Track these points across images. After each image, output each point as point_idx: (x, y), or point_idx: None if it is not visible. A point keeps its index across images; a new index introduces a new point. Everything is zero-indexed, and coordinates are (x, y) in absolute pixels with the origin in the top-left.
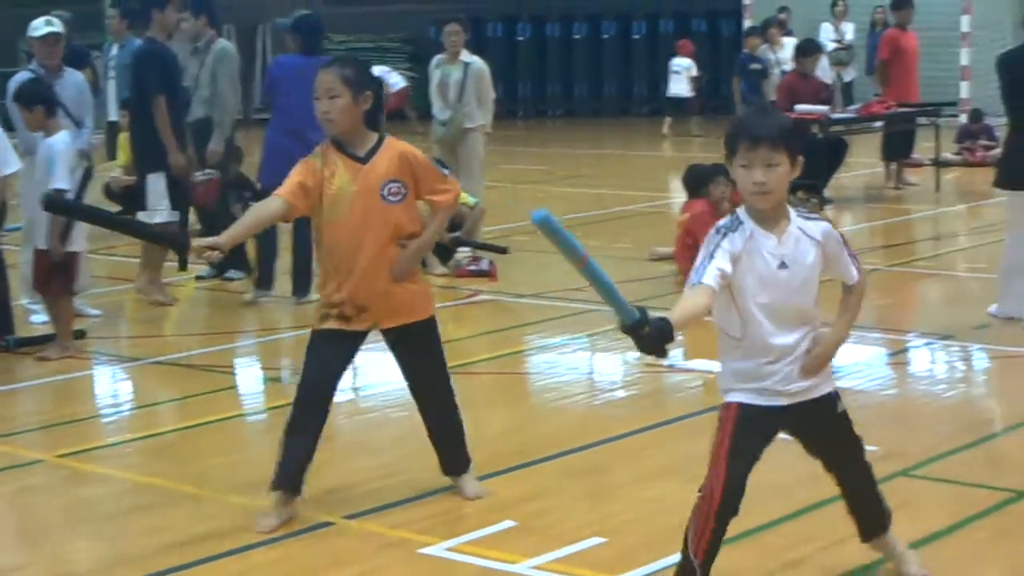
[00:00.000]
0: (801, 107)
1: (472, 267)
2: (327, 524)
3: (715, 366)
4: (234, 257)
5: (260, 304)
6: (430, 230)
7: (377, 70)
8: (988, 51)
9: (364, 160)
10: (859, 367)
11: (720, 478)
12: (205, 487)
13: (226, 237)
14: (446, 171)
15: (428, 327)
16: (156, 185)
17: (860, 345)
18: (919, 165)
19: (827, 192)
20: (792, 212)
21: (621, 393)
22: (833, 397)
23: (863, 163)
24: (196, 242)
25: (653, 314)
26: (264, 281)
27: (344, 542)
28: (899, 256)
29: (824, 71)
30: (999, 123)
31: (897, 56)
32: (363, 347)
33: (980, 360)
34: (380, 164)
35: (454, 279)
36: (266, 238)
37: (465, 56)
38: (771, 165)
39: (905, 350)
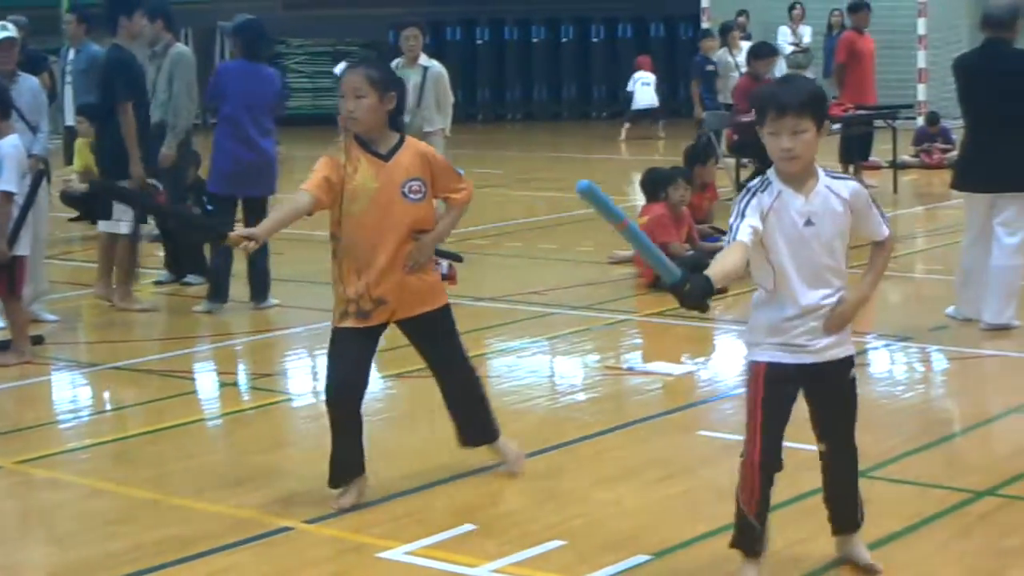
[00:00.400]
0: None
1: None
2: (287, 529)
3: (674, 369)
4: (193, 262)
5: (218, 310)
6: (445, 224)
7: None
8: (945, 54)
9: (386, 158)
10: None
11: (757, 443)
12: (164, 493)
13: (261, 229)
14: (460, 171)
15: (443, 314)
16: None
17: None
18: (877, 167)
19: None
20: (821, 172)
21: (581, 396)
22: (850, 360)
23: (821, 165)
24: (234, 233)
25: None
26: (218, 294)
27: (303, 547)
28: (857, 258)
29: (781, 74)
30: (956, 125)
31: (854, 59)
32: (320, 352)
33: (938, 361)
34: (402, 162)
35: None
36: (222, 251)
37: (424, 60)
38: (797, 132)
39: (864, 352)
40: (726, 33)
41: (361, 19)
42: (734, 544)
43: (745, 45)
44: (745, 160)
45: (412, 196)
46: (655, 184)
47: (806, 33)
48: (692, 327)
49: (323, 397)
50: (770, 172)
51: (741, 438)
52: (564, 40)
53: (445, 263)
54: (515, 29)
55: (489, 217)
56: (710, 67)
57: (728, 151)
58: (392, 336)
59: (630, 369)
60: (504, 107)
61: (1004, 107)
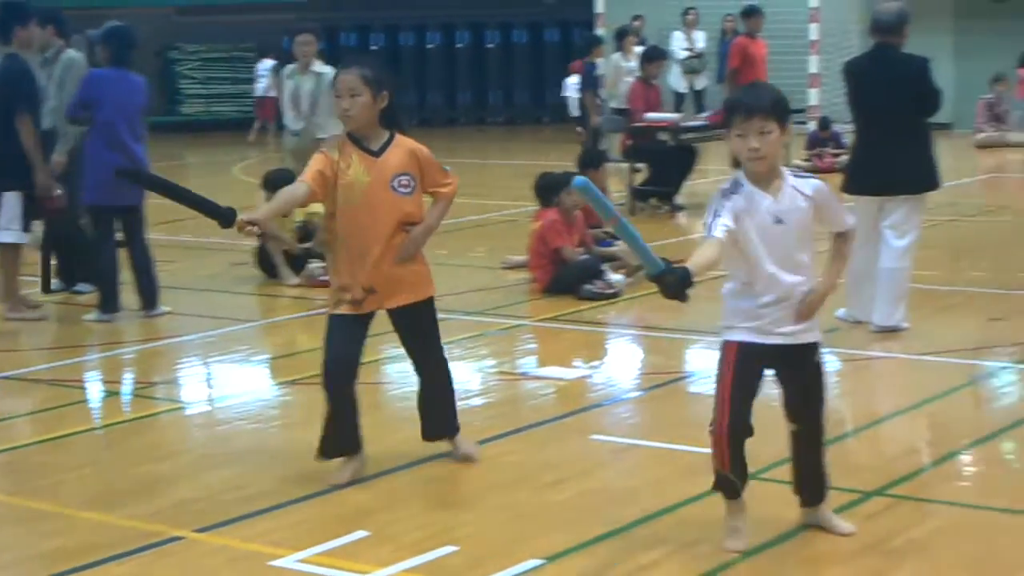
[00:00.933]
0: (653, 115)
1: (325, 277)
2: (177, 539)
3: (567, 373)
4: (83, 270)
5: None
6: (433, 216)
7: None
8: (836, 59)
9: (377, 154)
10: (711, 372)
11: (726, 412)
12: (54, 503)
13: (261, 215)
14: (447, 167)
15: (429, 306)
16: (12, 203)
17: (711, 350)
18: None
19: (679, 199)
20: (786, 172)
21: (475, 401)
22: (816, 345)
23: (714, 170)
24: (239, 217)
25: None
26: (108, 304)
27: (194, 556)
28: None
29: (676, 79)
30: (847, 130)
31: (747, 64)
32: (213, 359)
33: (829, 363)
34: (392, 158)
35: (307, 289)
36: (106, 260)
37: (318, 66)
38: (764, 133)
39: None
40: (622, 38)
41: (255, 25)
42: (716, 488)
43: (639, 51)
44: (639, 165)
45: (401, 190)
46: (548, 189)
47: (700, 38)
48: (585, 332)
49: (213, 405)
50: (739, 174)
51: (633, 442)
52: (459, 46)
53: None
54: (410, 35)
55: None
56: (599, 72)
57: (622, 156)
58: (286, 342)
59: (524, 374)
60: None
61: (893, 111)
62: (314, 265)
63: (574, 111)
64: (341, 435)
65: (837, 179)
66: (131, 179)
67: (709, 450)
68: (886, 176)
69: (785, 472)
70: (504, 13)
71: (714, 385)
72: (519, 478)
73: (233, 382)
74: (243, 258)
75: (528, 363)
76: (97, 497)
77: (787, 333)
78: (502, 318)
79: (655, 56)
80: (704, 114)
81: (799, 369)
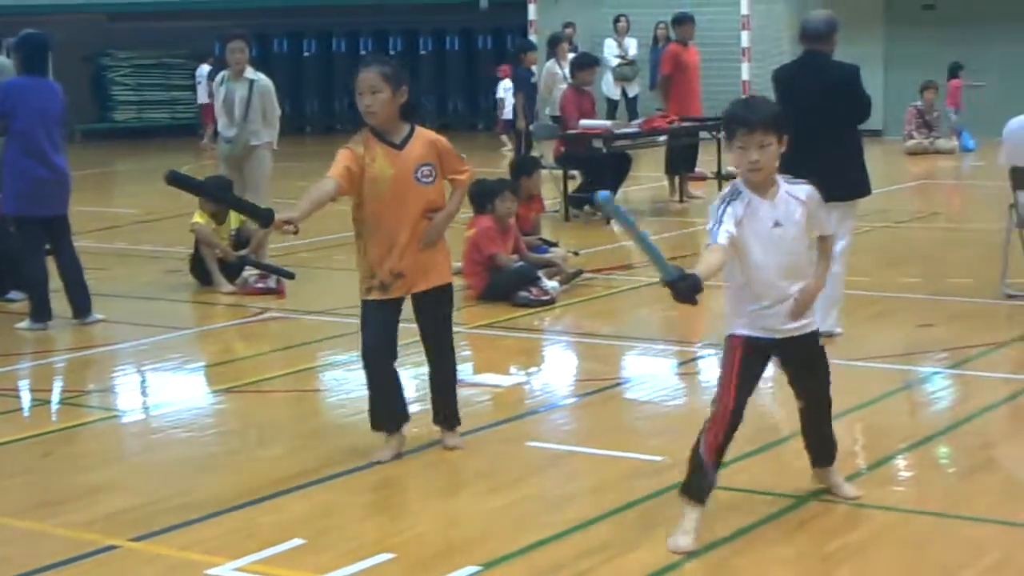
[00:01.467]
0: (586, 122)
1: (260, 285)
2: (113, 547)
3: (502, 380)
4: (14, 279)
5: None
6: (453, 202)
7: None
8: (767, 66)
9: (400, 147)
10: (647, 378)
11: (731, 398)
12: None
13: (298, 213)
14: (463, 156)
15: (449, 291)
16: None
17: (647, 356)
18: (702, 179)
19: None
20: (780, 179)
21: (411, 408)
22: (815, 334)
23: (648, 177)
24: (276, 217)
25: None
26: (39, 313)
27: (131, 565)
28: (685, 267)
29: (609, 86)
30: None
31: (679, 71)
32: (147, 368)
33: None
34: (413, 151)
35: (242, 297)
36: (34, 269)
37: (250, 73)
38: (763, 146)
39: (693, 360)
40: (555, 45)
41: (187, 31)
42: (683, 492)
43: (572, 57)
44: (573, 172)
45: (424, 180)
46: (482, 196)
47: (632, 45)
48: (521, 339)
49: (148, 414)
50: (737, 182)
51: (570, 448)
52: (392, 52)
53: (274, 277)
54: (343, 41)
55: (317, 230)
56: (534, 80)
57: (556, 163)
58: (220, 350)
59: (460, 381)
60: (333, 119)
61: (822, 118)
62: (248, 273)
63: (509, 115)
64: (381, 412)
65: None
66: (174, 185)
67: (643, 456)
68: (816, 182)
69: (727, 477)
70: (437, 20)
71: (719, 371)
72: (456, 485)
73: (167, 390)
74: (177, 265)
75: (464, 370)
76: (32, 506)
77: (787, 330)
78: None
79: (587, 63)
80: (637, 121)
81: (803, 355)
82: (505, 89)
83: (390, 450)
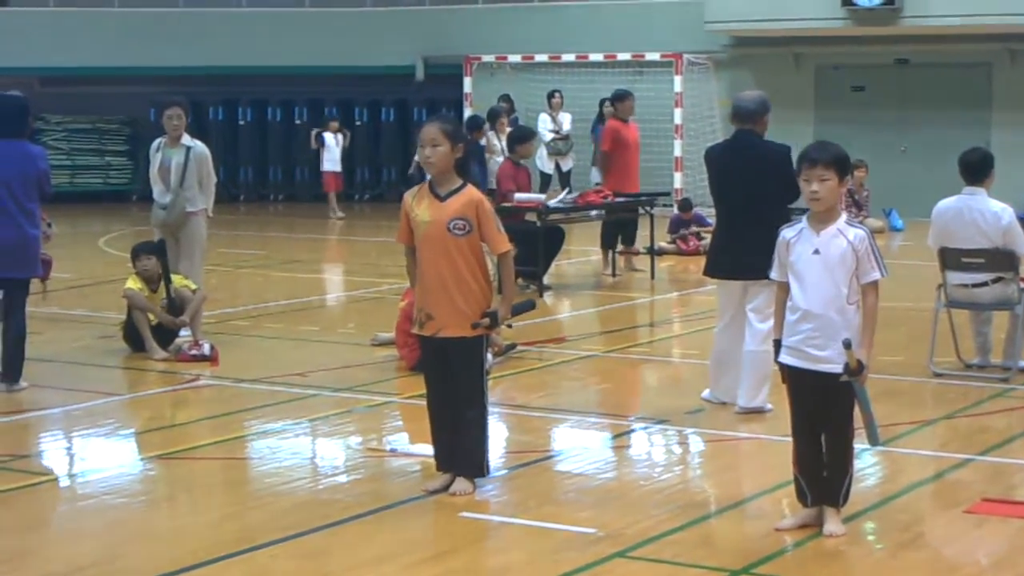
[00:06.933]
0: (521, 195)
1: (194, 352)
2: None
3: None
4: None
5: None
6: (506, 284)
7: None
8: (700, 143)
9: (443, 199)
10: (579, 450)
11: (793, 435)
12: None
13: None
14: (501, 228)
15: (479, 342)
16: None
17: (580, 429)
18: (636, 253)
19: (546, 279)
20: (842, 217)
21: (343, 478)
22: (839, 374)
23: (581, 251)
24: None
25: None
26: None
27: None
28: (618, 342)
29: (543, 160)
30: (710, 212)
31: (618, 147)
32: (78, 433)
33: (694, 443)
34: (453, 204)
35: (175, 363)
36: None
37: (186, 140)
38: (824, 180)
39: (624, 434)
40: (494, 119)
41: (122, 96)
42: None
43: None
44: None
45: (456, 232)
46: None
47: (566, 120)
48: None
49: (76, 480)
50: (805, 215)
51: (502, 519)
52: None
53: (208, 344)
54: (278, 110)
55: (250, 298)
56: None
57: None
58: (152, 416)
59: (393, 451)
60: (267, 187)
61: (752, 196)
62: (182, 339)
63: None
64: (437, 452)
65: (701, 261)
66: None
67: (575, 528)
68: (747, 260)
69: (656, 550)
70: (373, 91)
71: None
72: (386, 555)
73: (99, 456)
74: (109, 331)
75: (396, 440)
76: None
77: (814, 358)
78: (370, 395)
79: (526, 137)
80: (571, 196)
81: (827, 393)
82: None
83: (439, 483)
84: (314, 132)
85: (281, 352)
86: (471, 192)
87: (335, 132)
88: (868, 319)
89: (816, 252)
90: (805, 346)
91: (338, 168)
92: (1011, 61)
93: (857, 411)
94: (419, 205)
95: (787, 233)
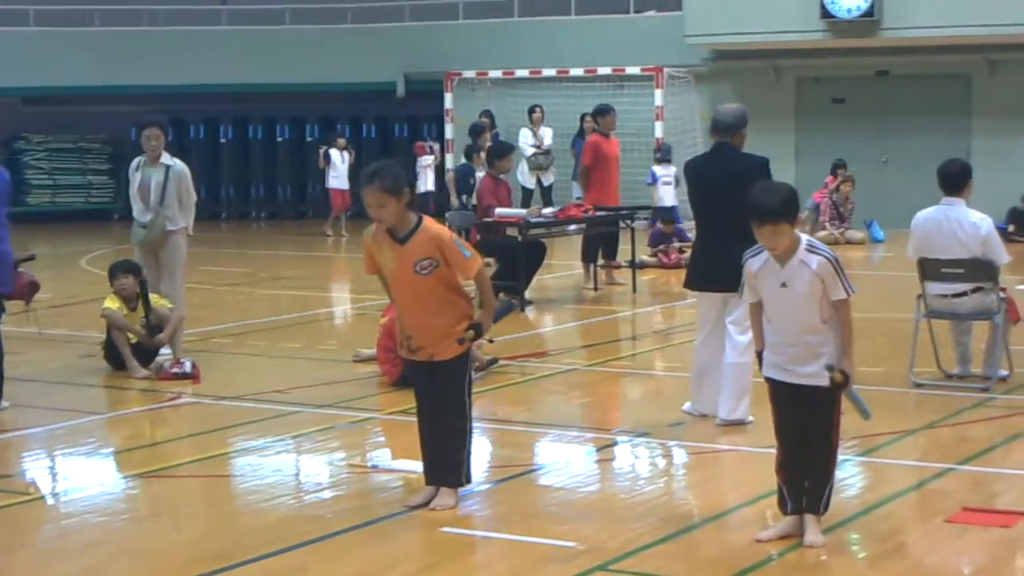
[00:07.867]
0: (502, 211)
1: (175, 370)
2: None
3: (418, 466)
4: None
5: None
6: (487, 301)
7: None
8: (681, 156)
9: (403, 242)
10: (560, 464)
11: (778, 444)
12: None
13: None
14: (467, 253)
15: (464, 362)
16: None
17: (561, 443)
18: (617, 267)
19: (528, 294)
20: (803, 244)
21: (326, 494)
22: (823, 388)
23: (563, 265)
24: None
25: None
26: None
27: None
28: (600, 355)
29: (523, 175)
30: (691, 226)
31: (599, 162)
32: (59, 452)
33: (676, 456)
34: (414, 247)
35: (156, 382)
36: None
37: (166, 158)
38: (776, 233)
39: (606, 447)
40: (477, 134)
41: (103, 116)
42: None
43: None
44: (488, 260)
45: (423, 272)
46: None
47: (547, 135)
48: None
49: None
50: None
51: (485, 534)
52: (309, 140)
53: (189, 362)
54: (259, 128)
55: (233, 316)
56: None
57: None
58: (133, 435)
59: (375, 467)
60: (248, 205)
61: (732, 208)
62: (162, 357)
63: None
64: (424, 465)
65: (683, 275)
66: None
67: (557, 541)
68: (727, 272)
69: (637, 563)
70: (354, 107)
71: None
72: (369, 571)
73: (80, 475)
74: (91, 350)
75: (379, 456)
76: None
77: (799, 374)
78: (353, 411)
79: (505, 151)
80: (552, 210)
81: (811, 404)
82: (420, 167)
83: (421, 497)
84: (322, 150)
85: (263, 369)
86: (428, 227)
87: (342, 149)
88: (844, 332)
89: (783, 285)
90: (788, 365)
91: (345, 185)
92: (990, 71)
93: (844, 398)
94: (380, 251)
95: (753, 264)
